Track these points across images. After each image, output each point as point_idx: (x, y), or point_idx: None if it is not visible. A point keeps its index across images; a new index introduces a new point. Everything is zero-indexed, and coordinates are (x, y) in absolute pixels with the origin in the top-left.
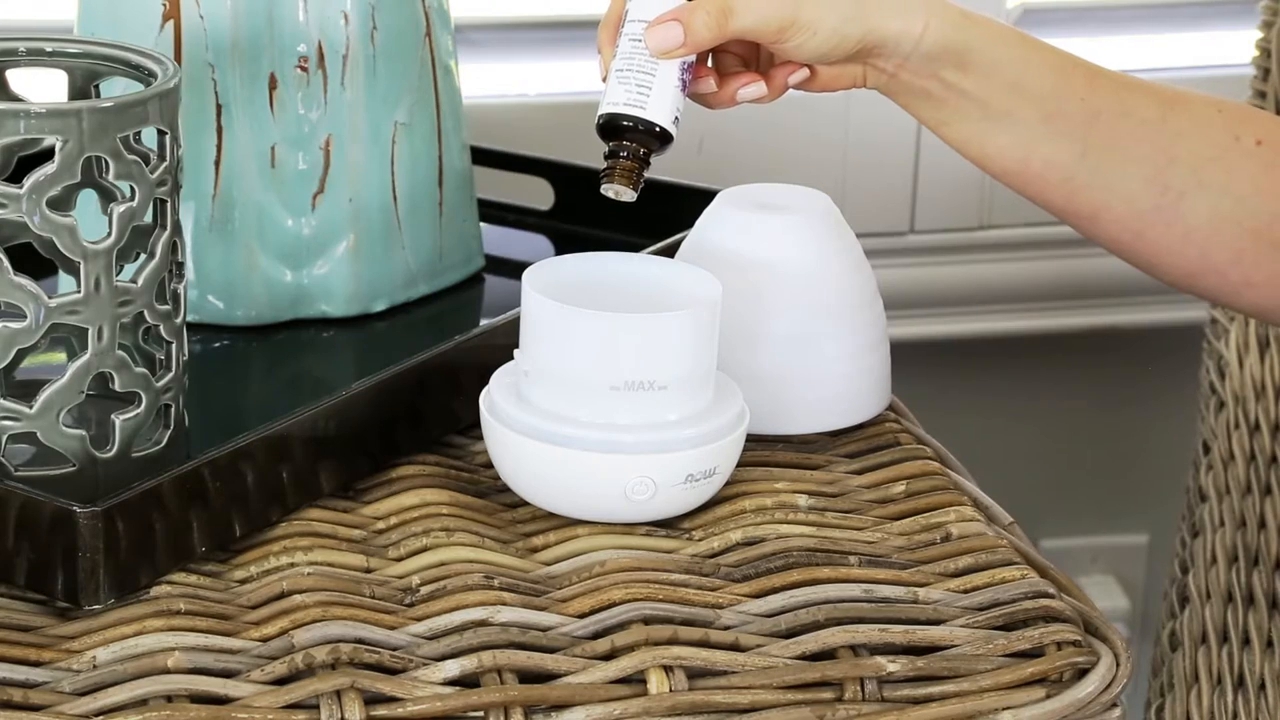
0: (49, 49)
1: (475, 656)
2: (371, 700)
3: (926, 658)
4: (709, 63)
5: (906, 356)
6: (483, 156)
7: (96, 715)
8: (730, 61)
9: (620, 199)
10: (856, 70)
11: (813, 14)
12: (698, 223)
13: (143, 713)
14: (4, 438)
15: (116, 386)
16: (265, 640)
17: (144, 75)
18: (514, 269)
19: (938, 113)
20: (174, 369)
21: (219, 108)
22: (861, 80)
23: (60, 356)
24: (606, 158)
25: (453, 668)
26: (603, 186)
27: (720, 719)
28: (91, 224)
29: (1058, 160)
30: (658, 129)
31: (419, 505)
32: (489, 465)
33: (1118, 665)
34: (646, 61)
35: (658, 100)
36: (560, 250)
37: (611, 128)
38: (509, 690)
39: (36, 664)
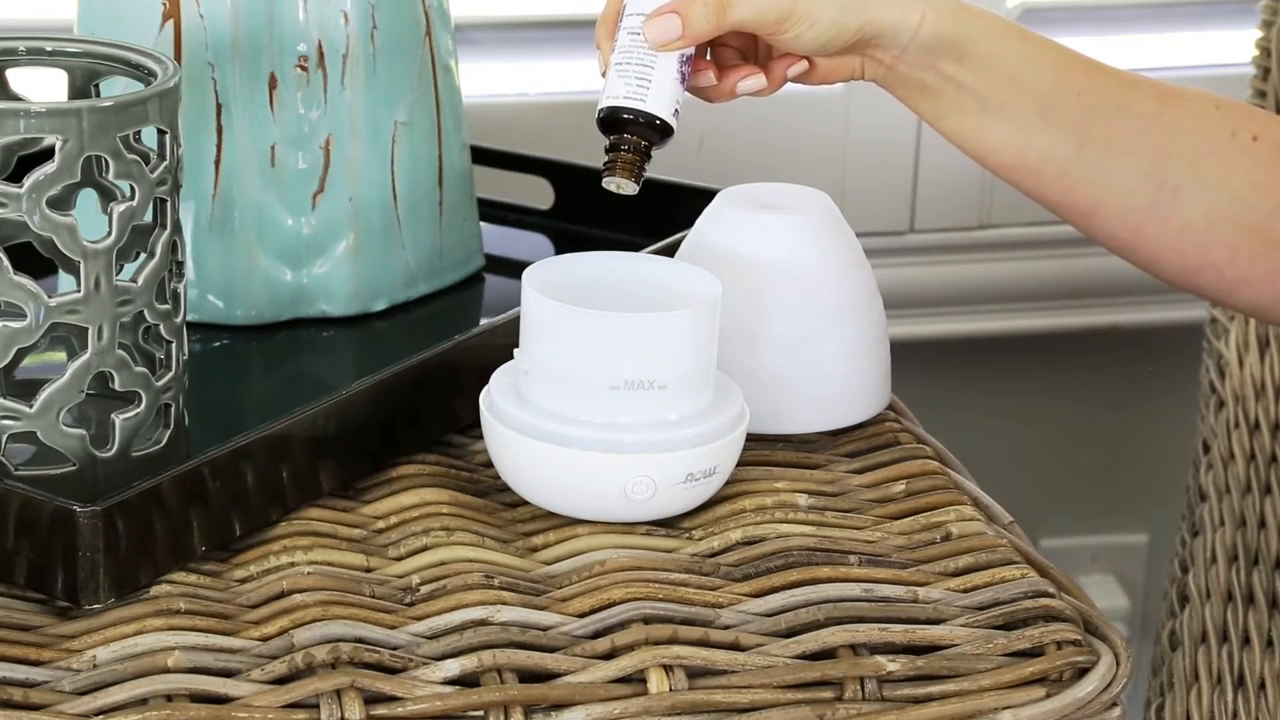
0: (49, 49)
1: (475, 656)
2: (371, 700)
3: (926, 657)
4: (708, 56)
5: (906, 356)
6: (483, 156)
7: (96, 715)
8: (729, 55)
9: (622, 192)
10: (854, 62)
11: (810, 5)
12: (698, 223)
13: (143, 712)
14: (4, 437)
15: (116, 386)
16: (265, 640)
17: (144, 75)
18: (514, 269)
19: (935, 105)
20: (174, 368)
21: (219, 107)
22: (859, 72)
23: (60, 356)
24: (607, 151)
25: (453, 667)
26: (604, 180)
27: (720, 718)
28: (91, 223)
29: (1054, 154)
30: (658, 121)
31: (419, 505)
32: (489, 465)
33: (1118, 665)
34: (645, 55)
35: (657, 93)
36: (560, 250)
37: (612, 121)
38: (509, 690)
39: (36, 663)
